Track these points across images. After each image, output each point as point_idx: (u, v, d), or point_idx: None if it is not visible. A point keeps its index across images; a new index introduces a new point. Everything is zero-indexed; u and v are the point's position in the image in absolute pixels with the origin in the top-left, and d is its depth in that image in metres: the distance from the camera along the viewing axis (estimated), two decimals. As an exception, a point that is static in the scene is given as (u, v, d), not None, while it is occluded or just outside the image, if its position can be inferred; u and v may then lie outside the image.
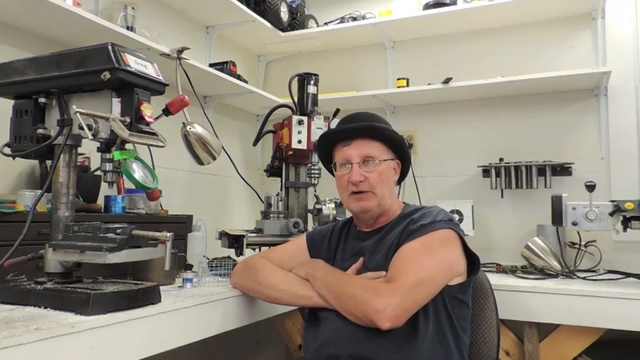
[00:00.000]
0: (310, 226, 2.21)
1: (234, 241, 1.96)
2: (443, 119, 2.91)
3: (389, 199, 1.46)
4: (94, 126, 1.20)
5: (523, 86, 2.59)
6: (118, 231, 1.20)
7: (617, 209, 1.93)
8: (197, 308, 1.35)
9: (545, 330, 1.92)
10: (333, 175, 1.54)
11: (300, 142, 2.14)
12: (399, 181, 1.55)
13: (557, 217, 2.07)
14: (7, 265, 1.22)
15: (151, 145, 1.28)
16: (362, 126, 1.45)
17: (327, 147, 1.53)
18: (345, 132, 1.47)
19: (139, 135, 1.24)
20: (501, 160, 2.65)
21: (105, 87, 1.23)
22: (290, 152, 2.15)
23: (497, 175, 2.63)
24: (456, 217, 2.54)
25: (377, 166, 1.42)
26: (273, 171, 2.27)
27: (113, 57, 1.18)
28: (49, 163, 1.40)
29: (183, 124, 1.62)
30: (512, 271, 2.17)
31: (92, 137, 1.20)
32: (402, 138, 1.52)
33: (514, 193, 2.66)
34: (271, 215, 2.10)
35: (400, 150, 1.49)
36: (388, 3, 2.93)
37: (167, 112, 1.38)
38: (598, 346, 1.83)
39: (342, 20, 3.00)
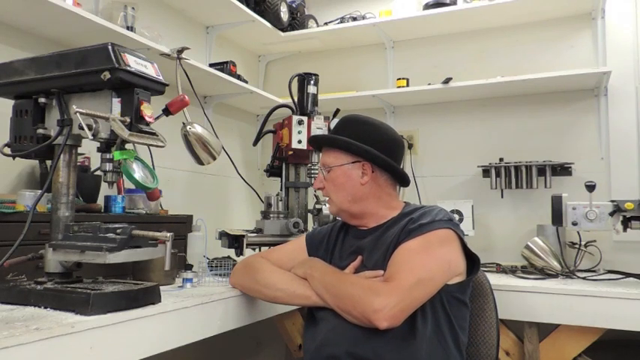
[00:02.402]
0: (310, 226, 2.21)
1: (234, 241, 1.96)
2: (443, 119, 2.91)
3: (356, 203, 1.45)
4: (94, 126, 1.20)
5: (523, 86, 2.59)
6: (118, 231, 1.20)
7: (617, 209, 1.93)
8: (197, 308, 1.35)
9: (545, 330, 1.92)
10: None
11: (300, 142, 2.14)
12: (400, 179, 1.49)
13: (557, 217, 2.07)
14: (7, 265, 1.22)
15: (151, 145, 1.28)
16: (313, 137, 1.63)
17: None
18: (312, 143, 1.66)
19: (139, 135, 1.24)
20: (501, 160, 2.65)
21: (105, 87, 1.23)
22: (290, 152, 2.15)
23: (497, 175, 2.63)
24: (456, 217, 2.54)
25: (329, 174, 1.48)
26: (273, 171, 2.26)
27: (113, 57, 1.18)
28: (49, 163, 1.40)
29: (183, 124, 1.62)
30: (512, 271, 2.17)
31: (92, 137, 1.20)
32: (352, 141, 1.43)
33: (514, 193, 2.66)
34: (271, 215, 2.10)
35: (358, 151, 1.43)
36: (388, 3, 2.93)
37: (167, 112, 1.38)
38: (598, 346, 1.83)
39: (342, 20, 3.00)
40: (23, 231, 1.19)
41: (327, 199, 1.53)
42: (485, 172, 2.70)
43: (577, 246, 2.28)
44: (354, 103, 2.90)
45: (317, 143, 1.62)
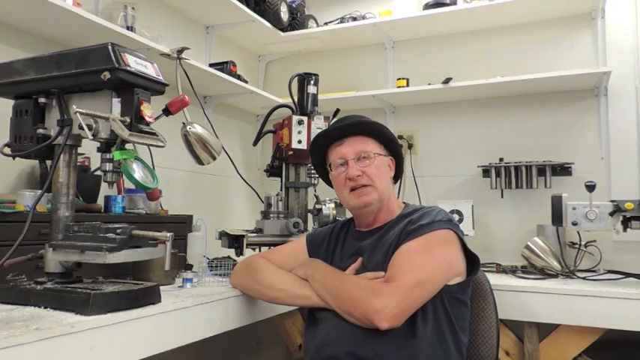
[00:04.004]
0: (310, 226, 2.21)
1: (234, 241, 1.96)
2: (443, 119, 2.91)
3: (388, 193, 1.47)
4: (94, 126, 1.20)
5: (523, 86, 2.59)
6: (118, 231, 1.20)
7: (617, 209, 1.93)
8: (197, 308, 1.36)
9: (545, 330, 1.92)
10: (324, 180, 1.59)
11: (300, 142, 2.14)
12: (395, 180, 1.56)
13: (557, 217, 2.07)
14: (7, 265, 1.22)
15: (151, 145, 1.28)
16: (354, 122, 1.48)
17: (322, 147, 1.53)
18: (338, 130, 1.49)
19: (139, 135, 1.24)
20: (501, 160, 2.65)
21: (105, 87, 1.23)
22: (290, 152, 2.15)
23: (497, 175, 2.63)
24: (456, 217, 2.54)
25: (372, 160, 1.43)
26: (273, 171, 2.26)
27: (113, 57, 1.18)
28: (49, 163, 1.40)
29: (183, 124, 1.62)
30: (512, 271, 2.17)
31: (92, 137, 1.20)
32: (394, 136, 1.53)
33: (514, 193, 2.66)
34: (271, 215, 2.10)
35: (392, 147, 1.50)
36: (388, 3, 2.93)
37: (167, 112, 1.38)
38: (598, 346, 1.83)
39: (342, 20, 3.00)
40: (23, 231, 1.19)
41: (364, 187, 1.41)
42: (485, 172, 2.70)
43: (577, 246, 2.28)
44: (354, 103, 2.90)
45: (362, 129, 1.46)
